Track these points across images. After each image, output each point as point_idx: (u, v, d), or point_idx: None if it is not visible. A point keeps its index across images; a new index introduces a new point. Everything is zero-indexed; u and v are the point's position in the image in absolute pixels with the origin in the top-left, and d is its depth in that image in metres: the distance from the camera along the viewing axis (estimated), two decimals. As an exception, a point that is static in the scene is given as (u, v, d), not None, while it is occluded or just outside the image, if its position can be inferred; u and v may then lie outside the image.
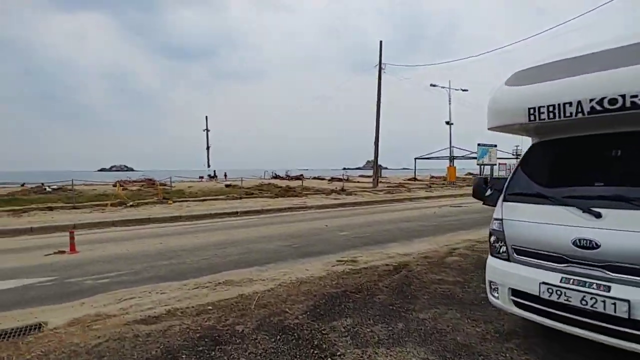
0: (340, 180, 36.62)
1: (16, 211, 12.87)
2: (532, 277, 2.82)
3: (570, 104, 2.74)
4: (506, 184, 3.44)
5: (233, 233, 9.39)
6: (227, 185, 25.01)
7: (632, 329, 2.33)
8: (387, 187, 25.90)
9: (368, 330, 3.55)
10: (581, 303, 2.52)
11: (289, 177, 40.08)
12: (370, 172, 57.02)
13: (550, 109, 2.86)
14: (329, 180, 36.61)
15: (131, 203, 15.10)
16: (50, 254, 7.30)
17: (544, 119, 2.91)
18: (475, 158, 32.89)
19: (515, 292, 2.96)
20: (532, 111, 2.98)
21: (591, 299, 2.48)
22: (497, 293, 3.12)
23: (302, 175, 43.25)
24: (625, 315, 2.34)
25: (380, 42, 25.32)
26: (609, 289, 2.45)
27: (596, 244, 2.53)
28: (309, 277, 5.38)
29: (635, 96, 2.46)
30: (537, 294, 2.75)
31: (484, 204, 3.75)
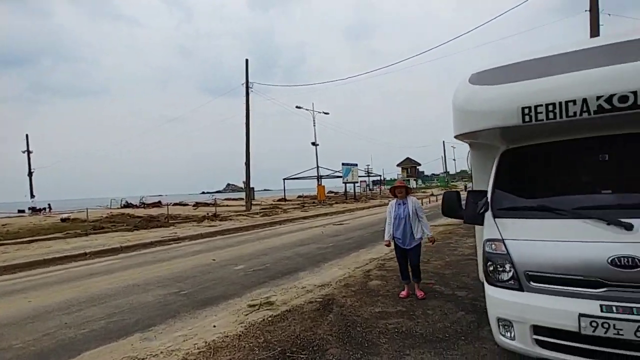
0: (206, 205, 33.88)
1: None
2: (564, 309, 2.32)
3: (574, 102, 2.42)
4: (490, 197, 2.97)
5: (87, 285, 6.91)
6: (63, 220, 19.91)
7: None
8: (262, 209, 24.90)
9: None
10: (636, 335, 2.10)
11: (144, 205, 35.09)
12: (234, 195, 55.02)
13: (551, 107, 2.49)
14: (194, 205, 33.50)
15: None
16: None
17: (542, 120, 2.53)
18: (339, 177, 35.04)
19: (539, 330, 2.41)
20: (526, 111, 2.57)
21: None
22: (512, 332, 2.53)
23: (159, 202, 38.55)
24: None
25: (247, 60, 24.60)
26: None
27: (638, 260, 2.18)
28: (223, 339, 4.01)
29: None
30: (577, 330, 2.24)
31: (465, 221, 3.22)
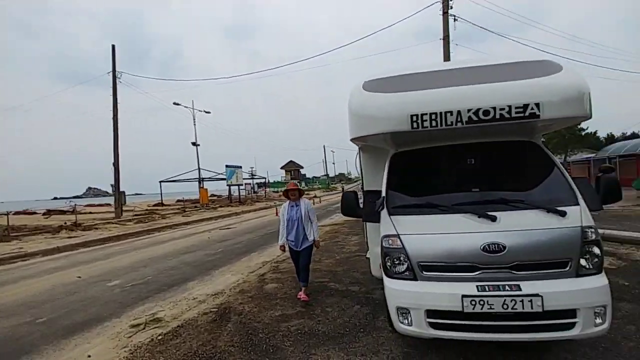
0: (62, 212, 28.85)
1: None
2: (450, 293, 2.67)
3: (451, 112, 2.82)
4: (384, 196, 3.23)
5: None
6: None
7: (548, 319, 2.52)
8: (135, 216, 22.29)
9: None
10: (503, 307, 2.55)
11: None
12: (98, 201, 47.93)
13: (433, 116, 2.85)
14: (45, 214, 28.18)
15: None
16: None
17: (427, 127, 2.87)
18: (223, 179, 33.79)
19: (432, 313, 2.72)
20: (414, 118, 2.89)
21: (511, 301, 2.54)
22: (410, 319, 2.79)
23: (-7, 210, 31.18)
24: (540, 309, 2.51)
25: (113, 46, 21.57)
26: (519, 287, 2.59)
27: (502, 246, 2.64)
28: (103, 369, 3.42)
29: (503, 109, 2.75)
30: (460, 309, 2.61)
31: (363, 219, 3.40)
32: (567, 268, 2.67)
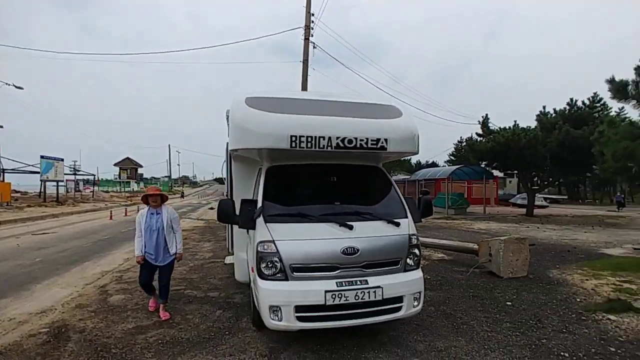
0: None
1: None
2: (315, 289, 3.17)
3: (324, 137, 3.37)
4: (260, 205, 3.53)
5: None
6: None
7: (386, 305, 3.26)
8: None
9: None
10: (355, 298, 3.18)
11: None
12: None
13: (309, 139, 3.35)
14: None
15: None
16: None
17: (303, 147, 3.35)
18: (35, 172, 27.46)
19: (300, 308, 3.15)
20: (293, 139, 3.33)
21: (361, 292, 3.20)
22: (279, 315, 3.15)
23: None
24: (381, 297, 3.23)
25: None
26: (367, 282, 3.27)
27: (356, 249, 3.30)
28: None
29: (362, 140, 3.47)
30: (323, 303, 3.11)
31: (240, 226, 3.58)
32: (399, 265, 3.52)
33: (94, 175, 45.30)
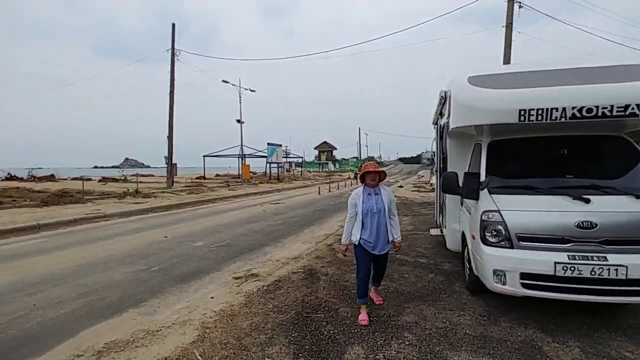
0: (115, 180, 30.91)
1: None
2: (544, 260, 3.19)
3: (557, 109, 3.24)
4: (485, 179, 3.73)
5: (28, 266, 6.18)
6: None
7: (630, 286, 3.00)
8: (186, 187, 23.74)
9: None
10: (591, 274, 3.04)
11: (34, 179, 30.54)
12: (133, 171, 50.61)
13: (540, 112, 3.28)
14: (101, 180, 30.34)
15: None
16: None
17: (533, 120, 3.31)
18: (263, 156, 34.90)
19: (525, 276, 3.26)
20: (522, 112, 3.34)
21: (599, 268, 3.04)
22: (504, 279, 3.34)
23: (52, 175, 33.90)
24: (624, 277, 2.98)
25: (173, 25, 22.66)
26: (605, 258, 3.07)
27: (594, 224, 3.12)
28: (230, 307, 4.21)
29: (606, 108, 3.15)
30: (552, 273, 3.12)
31: (463, 196, 3.93)
32: None
33: (302, 157, 53.80)
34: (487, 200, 3.60)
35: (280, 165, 36.57)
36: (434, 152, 7.62)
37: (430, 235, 7.27)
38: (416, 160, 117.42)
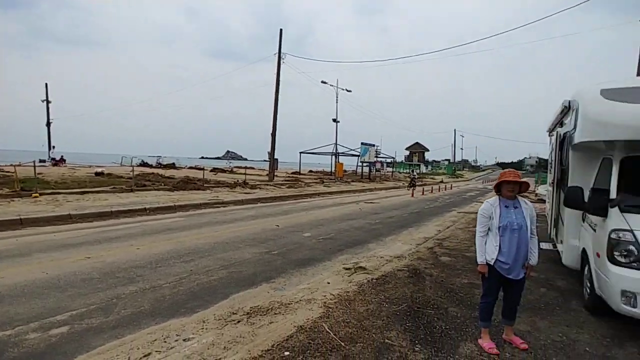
0: (223, 171, 34.61)
1: None
2: None
3: None
4: (616, 196, 3.65)
5: (178, 239, 7.67)
6: (97, 174, 20.66)
7: None
8: (285, 180, 25.63)
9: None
10: None
11: (160, 166, 35.83)
12: (234, 164, 55.53)
13: None
14: (212, 171, 34.24)
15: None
16: None
17: None
18: (354, 155, 35.64)
19: None
20: None
21: None
22: (633, 302, 3.28)
23: (173, 163, 39.28)
24: None
25: (281, 30, 24.67)
26: None
27: None
28: (346, 293, 4.76)
29: None
30: None
31: (590, 212, 3.90)
32: None
33: (393, 157, 53.34)
34: (618, 218, 3.51)
35: (372, 164, 36.89)
36: (537, 159, 7.25)
37: (541, 249, 6.95)
38: (517, 166, 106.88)
